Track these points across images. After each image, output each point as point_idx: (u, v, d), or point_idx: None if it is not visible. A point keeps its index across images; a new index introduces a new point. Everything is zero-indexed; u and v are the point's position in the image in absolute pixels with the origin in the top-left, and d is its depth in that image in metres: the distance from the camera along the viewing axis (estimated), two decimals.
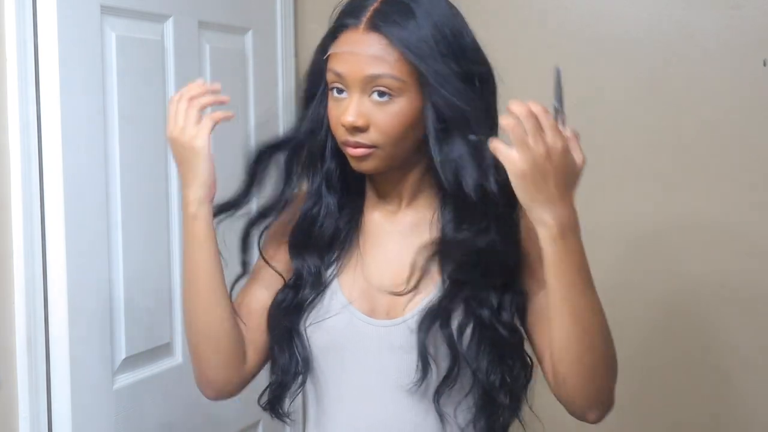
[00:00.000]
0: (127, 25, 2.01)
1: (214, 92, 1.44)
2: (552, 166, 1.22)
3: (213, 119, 1.42)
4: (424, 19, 1.36)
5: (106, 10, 1.94)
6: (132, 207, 2.01)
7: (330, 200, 1.48)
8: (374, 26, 1.36)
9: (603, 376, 1.36)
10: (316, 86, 1.45)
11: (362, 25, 1.37)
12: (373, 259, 1.47)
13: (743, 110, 2.34)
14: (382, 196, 1.48)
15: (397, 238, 1.47)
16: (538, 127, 1.21)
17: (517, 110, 1.21)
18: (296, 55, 2.64)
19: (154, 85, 2.09)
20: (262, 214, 1.49)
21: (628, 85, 2.43)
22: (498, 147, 1.23)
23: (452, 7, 1.43)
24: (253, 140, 2.40)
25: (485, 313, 1.40)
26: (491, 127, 1.38)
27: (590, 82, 2.45)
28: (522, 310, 1.44)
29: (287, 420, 1.55)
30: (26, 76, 1.78)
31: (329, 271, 1.47)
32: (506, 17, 2.52)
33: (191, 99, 1.42)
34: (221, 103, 1.46)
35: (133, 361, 2.03)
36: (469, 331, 1.40)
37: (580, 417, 1.40)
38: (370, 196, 1.50)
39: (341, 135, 1.39)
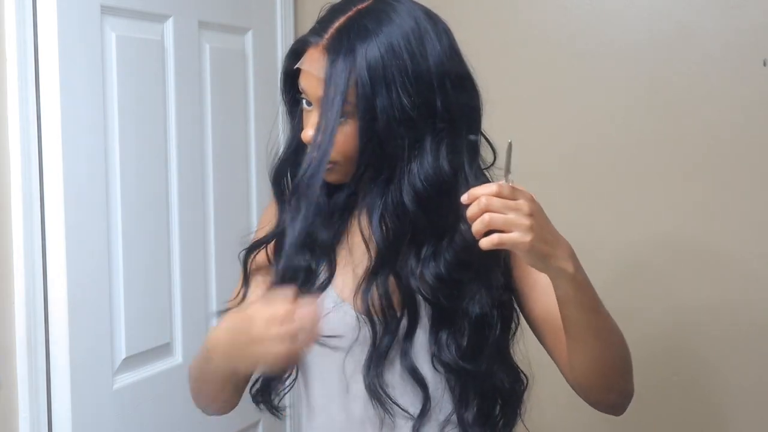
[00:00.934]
0: (127, 25, 2.01)
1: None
2: (537, 218, 1.22)
3: (301, 349, 1.26)
4: (381, 42, 1.34)
5: (106, 10, 1.94)
6: (132, 207, 2.01)
7: (321, 199, 1.47)
8: (329, 48, 1.35)
9: (624, 379, 1.41)
10: (292, 92, 1.45)
11: (322, 44, 1.36)
12: (363, 258, 1.46)
13: (743, 110, 2.34)
14: None
15: None
16: (505, 202, 1.19)
17: (477, 208, 1.19)
18: None
19: (154, 85, 2.09)
20: (261, 243, 1.49)
21: (628, 85, 2.43)
22: (502, 240, 1.20)
23: (424, 21, 1.38)
24: (253, 140, 2.43)
25: (477, 310, 1.40)
26: (457, 141, 1.38)
27: (590, 83, 2.45)
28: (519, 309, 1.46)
29: (277, 413, 1.56)
30: (26, 76, 1.78)
31: (321, 269, 1.46)
32: (506, 18, 2.52)
33: (300, 317, 1.22)
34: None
35: (133, 361, 2.03)
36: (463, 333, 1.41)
37: (606, 412, 1.45)
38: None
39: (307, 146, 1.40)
